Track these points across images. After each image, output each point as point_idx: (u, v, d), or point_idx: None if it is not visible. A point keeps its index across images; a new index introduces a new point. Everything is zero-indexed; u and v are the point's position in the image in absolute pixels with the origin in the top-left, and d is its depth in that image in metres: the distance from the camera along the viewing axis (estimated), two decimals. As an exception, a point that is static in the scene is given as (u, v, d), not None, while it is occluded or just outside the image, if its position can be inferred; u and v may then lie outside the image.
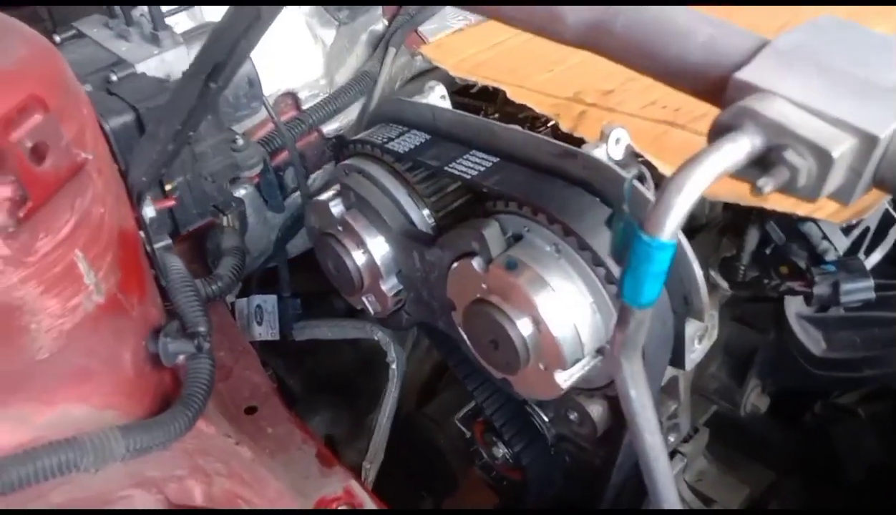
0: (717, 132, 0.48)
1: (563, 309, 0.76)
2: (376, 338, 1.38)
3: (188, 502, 0.80)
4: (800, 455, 1.04)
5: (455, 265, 0.83)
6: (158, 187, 0.98)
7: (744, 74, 0.50)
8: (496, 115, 1.13)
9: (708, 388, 0.94)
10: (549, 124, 1.07)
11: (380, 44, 1.55)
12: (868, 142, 0.45)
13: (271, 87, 1.40)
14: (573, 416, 0.97)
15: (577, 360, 0.77)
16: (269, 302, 1.46)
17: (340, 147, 1.00)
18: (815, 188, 0.46)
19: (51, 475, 0.73)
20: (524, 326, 0.77)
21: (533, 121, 1.04)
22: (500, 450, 1.12)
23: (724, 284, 0.84)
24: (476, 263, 0.80)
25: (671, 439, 0.96)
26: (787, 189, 0.46)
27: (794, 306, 0.83)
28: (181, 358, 0.88)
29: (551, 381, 0.79)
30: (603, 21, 0.58)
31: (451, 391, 1.55)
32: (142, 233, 0.92)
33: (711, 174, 0.45)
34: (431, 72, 1.33)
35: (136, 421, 0.82)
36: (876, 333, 0.79)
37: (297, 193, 1.47)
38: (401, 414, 1.55)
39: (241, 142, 1.24)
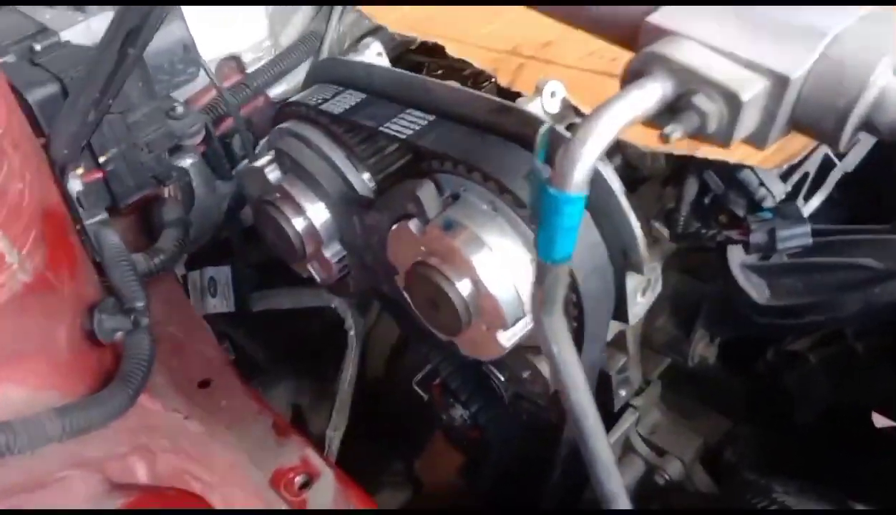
0: (628, 79, 0.47)
1: (501, 269, 0.74)
2: (333, 306, 1.37)
3: (131, 480, 0.79)
4: (753, 401, 1.05)
5: (394, 228, 0.81)
6: (92, 160, 0.95)
7: (655, 18, 0.48)
8: (440, 72, 1.11)
9: (656, 341, 0.94)
10: (492, 79, 1.05)
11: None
12: (780, 83, 0.44)
13: (213, 52, 1.36)
14: (526, 374, 0.97)
15: (519, 319, 0.76)
16: (222, 273, 1.44)
17: (276, 111, 0.97)
18: (727, 133, 0.45)
19: (-18, 460, 0.71)
20: (464, 287, 0.76)
21: (476, 76, 1.02)
22: (458, 411, 1.12)
23: (665, 235, 0.83)
24: (413, 225, 0.78)
25: (622, 393, 0.96)
26: (699, 135, 0.45)
27: (737, 255, 0.83)
28: (119, 335, 0.86)
29: (494, 341, 0.78)
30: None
31: (413, 355, 1.54)
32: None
33: (618, 123, 0.44)
34: (377, 31, 1.30)
35: (74, 401, 0.80)
36: (818, 279, 0.78)
37: (247, 160, 1.45)
38: (369, 380, 1.54)
39: (180, 109, 1.20)
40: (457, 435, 1.23)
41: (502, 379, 1.06)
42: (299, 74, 1.49)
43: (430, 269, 0.78)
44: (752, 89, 0.44)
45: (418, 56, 1.25)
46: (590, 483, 0.57)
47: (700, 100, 0.44)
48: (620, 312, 0.80)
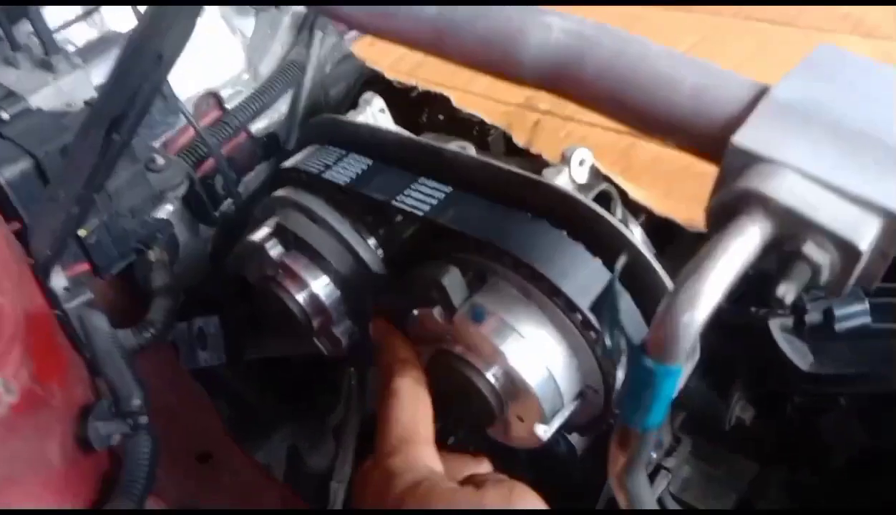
0: (719, 216, 0.41)
1: (536, 359, 0.69)
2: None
3: None
4: (783, 445, 1.01)
5: (414, 313, 0.75)
6: (75, 244, 0.87)
7: (743, 139, 0.42)
8: (441, 117, 1.04)
9: (690, 404, 0.89)
10: (496, 129, 0.99)
11: (304, 26, 1.43)
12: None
13: (189, 89, 1.28)
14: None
15: (557, 411, 0.71)
16: (211, 323, 1.36)
17: (273, 175, 0.89)
18: (841, 283, 0.39)
19: None
20: (495, 378, 0.70)
21: (481, 125, 0.95)
22: (475, 472, 1.06)
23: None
24: (437, 314, 0.72)
25: (654, 455, 0.92)
26: (810, 286, 0.39)
27: (778, 317, 0.78)
28: (116, 438, 0.79)
29: (530, 433, 0.72)
30: (568, 66, 0.50)
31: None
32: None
33: (724, 281, 0.38)
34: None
35: (73, 525, 0.73)
36: (869, 345, 0.74)
37: (230, 200, 1.37)
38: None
39: (160, 161, 1.13)
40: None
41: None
42: (281, 107, 1.42)
43: (457, 359, 0.72)
44: (868, 235, 0.38)
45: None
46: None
47: (810, 250, 0.38)
48: (661, 389, 0.75)
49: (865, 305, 0.68)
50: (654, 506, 0.46)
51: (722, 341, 0.86)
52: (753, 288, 0.76)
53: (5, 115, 0.90)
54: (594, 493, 1.00)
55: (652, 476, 0.93)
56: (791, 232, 0.39)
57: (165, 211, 1.19)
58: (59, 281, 0.78)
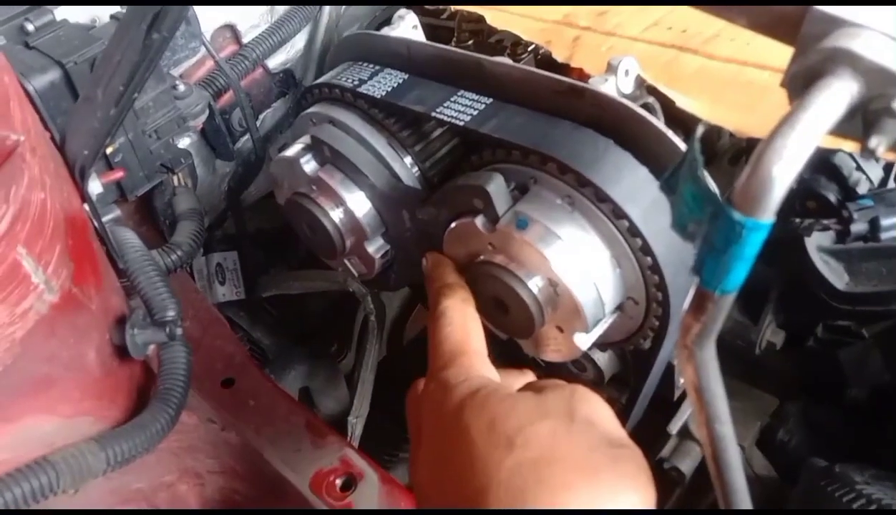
0: (802, 80, 0.41)
1: (580, 268, 0.69)
2: (352, 290, 1.31)
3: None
4: (804, 377, 1.02)
5: (454, 224, 0.74)
6: (101, 156, 0.86)
7: (825, 5, 0.42)
8: (470, 43, 1.03)
9: (721, 328, 0.89)
10: (529, 49, 0.98)
11: (321, -37, 1.41)
12: None
13: (206, 21, 1.26)
14: (574, 367, 0.92)
15: (599, 320, 0.71)
16: (229, 259, 1.36)
17: (302, 93, 0.88)
18: (928, 142, 0.39)
19: (23, 505, 0.64)
20: (538, 288, 0.70)
21: (514, 46, 0.94)
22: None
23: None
24: (480, 223, 0.71)
25: (682, 381, 0.92)
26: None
27: (813, 238, 0.78)
28: (152, 348, 0.79)
29: (569, 344, 0.72)
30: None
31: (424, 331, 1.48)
32: (85, 207, 0.81)
33: (815, 133, 0.38)
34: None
35: (113, 428, 0.73)
36: (905, 265, 0.74)
37: (247, 137, 1.36)
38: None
39: (182, 87, 1.11)
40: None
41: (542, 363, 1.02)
42: (298, 43, 1.40)
43: (499, 269, 0.71)
44: (959, 91, 0.38)
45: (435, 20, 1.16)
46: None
47: (901, 107, 0.38)
48: (697, 305, 0.75)
49: (912, 216, 0.69)
50: (718, 375, 0.46)
51: (756, 263, 0.86)
52: (794, 202, 0.77)
53: (31, 27, 0.89)
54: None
55: (676, 405, 0.94)
56: (879, 91, 0.39)
57: (184, 142, 1.18)
58: (94, 186, 0.78)
